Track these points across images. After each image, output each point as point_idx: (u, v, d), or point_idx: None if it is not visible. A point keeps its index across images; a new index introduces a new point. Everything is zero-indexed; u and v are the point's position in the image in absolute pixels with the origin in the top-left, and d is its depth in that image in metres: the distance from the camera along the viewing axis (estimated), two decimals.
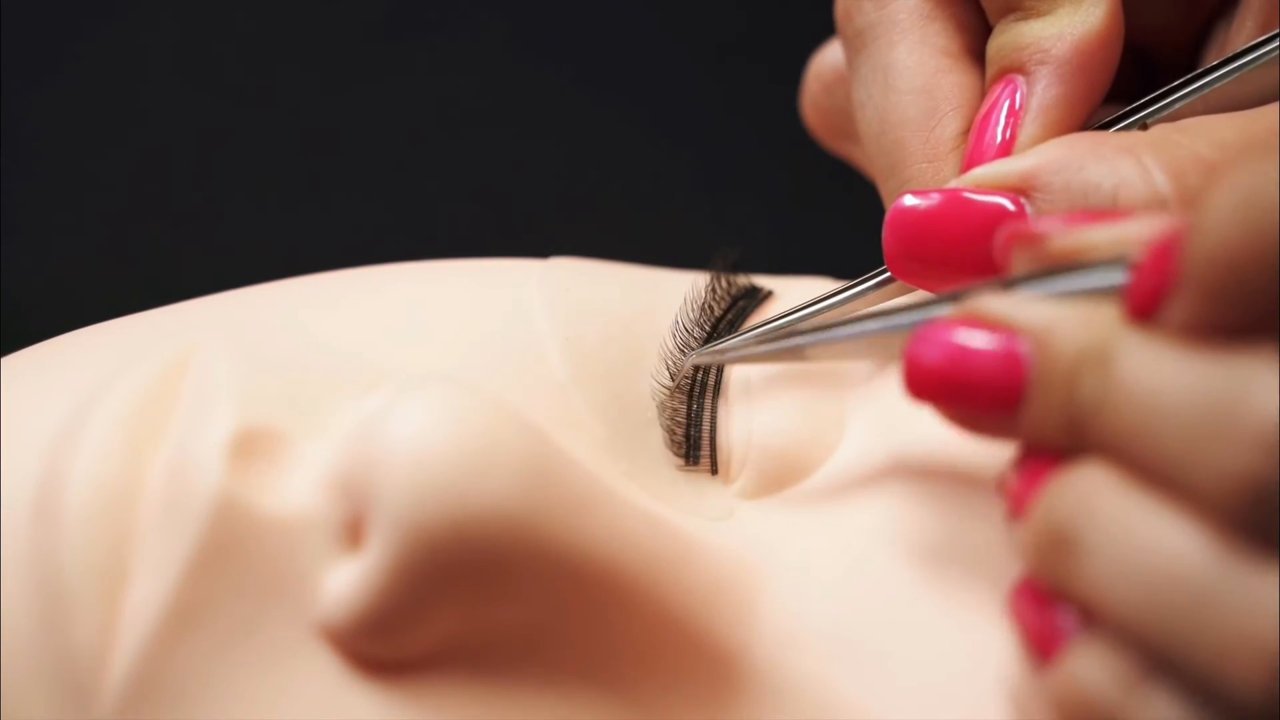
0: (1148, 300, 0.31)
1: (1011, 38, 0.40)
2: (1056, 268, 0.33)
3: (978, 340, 0.33)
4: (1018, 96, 0.39)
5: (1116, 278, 0.32)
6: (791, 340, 0.38)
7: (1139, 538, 0.30)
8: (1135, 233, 0.33)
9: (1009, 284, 0.34)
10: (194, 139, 0.93)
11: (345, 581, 0.33)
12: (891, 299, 0.40)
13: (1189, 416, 0.30)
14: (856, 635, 0.35)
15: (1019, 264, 0.35)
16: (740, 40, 0.97)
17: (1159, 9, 0.43)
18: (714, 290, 0.42)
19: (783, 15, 0.88)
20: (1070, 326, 0.32)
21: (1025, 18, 0.39)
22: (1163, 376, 0.30)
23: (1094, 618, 0.31)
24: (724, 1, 0.97)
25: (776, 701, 0.35)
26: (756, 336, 0.40)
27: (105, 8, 0.92)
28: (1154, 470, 0.30)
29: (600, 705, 0.34)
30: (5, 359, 0.40)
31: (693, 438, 0.40)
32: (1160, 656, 0.30)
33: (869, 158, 0.42)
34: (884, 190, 0.41)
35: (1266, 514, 0.29)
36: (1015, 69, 0.39)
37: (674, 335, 0.41)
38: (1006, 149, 0.39)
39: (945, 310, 0.34)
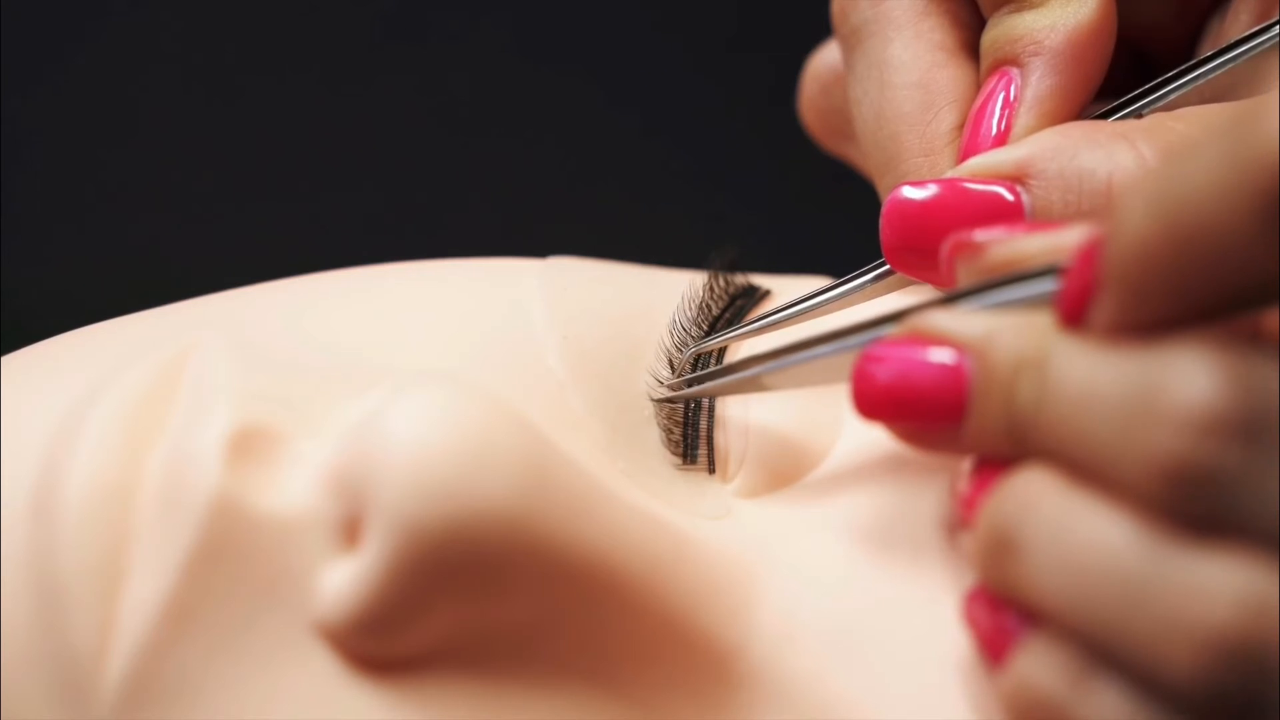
0: (1075, 304, 0.32)
1: (1005, 30, 0.40)
2: (994, 280, 0.34)
3: (920, 356, 0.34)
4: (1012, 89, 0.39)
5: (1049, 285, 0.33)
6: (748, 370, 0.39)
7: (1075, 534, 0.31)
8: (1067, 240, 0.34)
9: (951, 299, 0.35)
10: (194, 139, 0.93)
11: (342, 580, 0.33)
12: (889, 291, 0.40)
13: (1114, 411, 0.30)
14: (854, 633, 0.35)
15: (962, 274, 0.35)
16: (739, 40, 0.97)
17: (1154, 5, 0.43)
18: (712, 289, 0.42)
19: (781, 15, 0.88)
20: (1007, 336, 0.33)
21: (1019, 10, 0.40)
22: (1091, 376, 0.31)
23: (1038, 617, 0.32)
24: (723, 2, 0.97)
25: (773, 700, 0.35)
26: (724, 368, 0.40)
27: (105, 8, 0.92)
28: (1087, 468, 0.31)
29: (597, 703, 0.34)
30: (4, 358, 0.40)
31: (690, 437, 0.40)
32: (1102, 649, 0.31)
33: (865, 154, 0.42)
34: (880, 185, 0.41)
35: (1191, 497, 0.29)
36: (1009, 61, 0.40)
37: (672, 334, 0.41)
38: (1002, 140, 0.39)
39: (891, 329, 0.35)
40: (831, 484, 0.39)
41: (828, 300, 0.41)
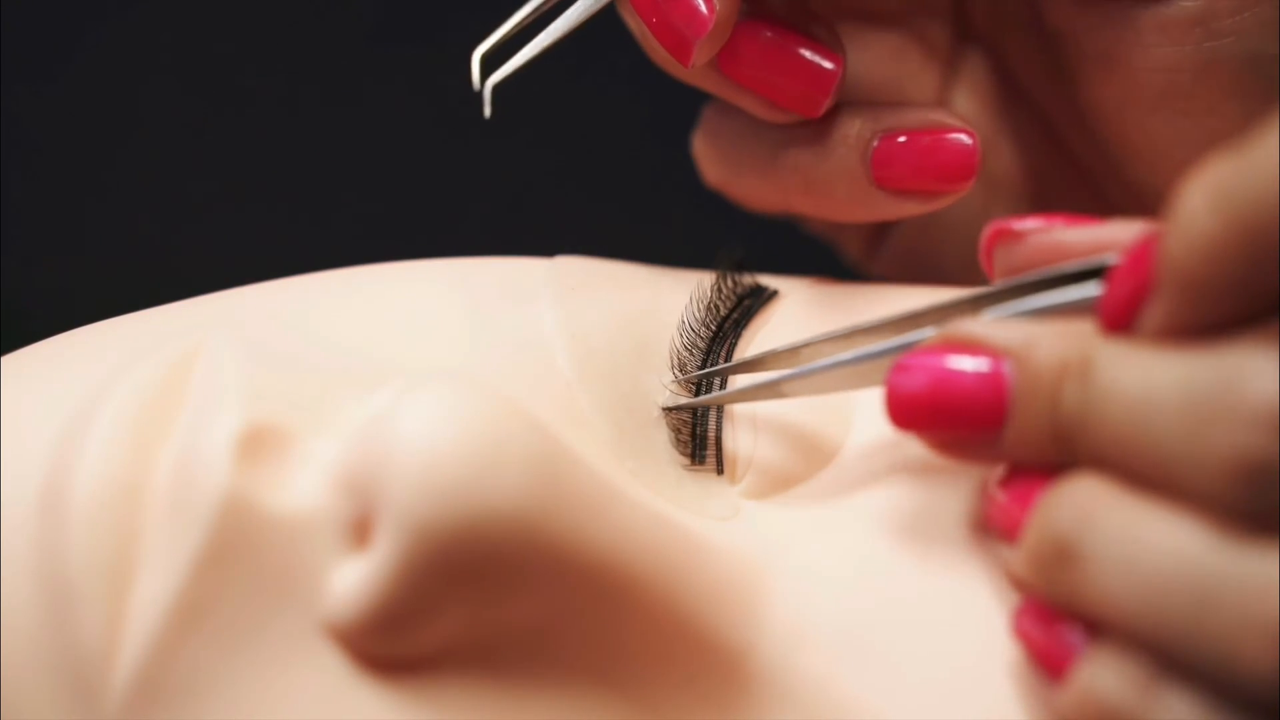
0: (1124, 308, 0.32)
1: None
2: (1027, 281, 0.34)
3: (957, 364, 0.34)
4: None
5: (1091, 290, 0.33)
6: (766, 377, 0.39)
7: (1140, 539, 0.31)
8: (1110, 235, 0.34)
9: (983, 304, 0.35)
10: (196, 139, 0.93)
11: (352, 580, 0.33)
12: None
13: (1175, 413, 0.30)
14: (864, 634, 0.35)
15: (1000, 261, 0.35)
16: None
17: None
18: (719, 289, 0.42)
19: None
20: (1048, 342, 0.33)
21: None
22: (1146, 379, 0.31)
23: (1102, 626, 0.32)
24: None
25: (784, 701, 0.35)
26: (735, 368, 0.40)
27: (105, 8, 0.92)
28: (1145, 472, 0.31)
29: (607, 704, 0.34)
30: (8, 356, 0.40)
31: (699, 437, 0.40)
32: (1172, 654, 0.31)
33: None
34: None
35: (1262, 494, 0.29)
36: None
37: (681, 335, 0.41)
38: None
39: (918, 336, 0.35)
40: (841, 483, 0.39)
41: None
